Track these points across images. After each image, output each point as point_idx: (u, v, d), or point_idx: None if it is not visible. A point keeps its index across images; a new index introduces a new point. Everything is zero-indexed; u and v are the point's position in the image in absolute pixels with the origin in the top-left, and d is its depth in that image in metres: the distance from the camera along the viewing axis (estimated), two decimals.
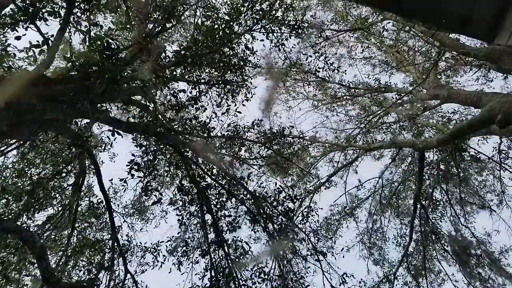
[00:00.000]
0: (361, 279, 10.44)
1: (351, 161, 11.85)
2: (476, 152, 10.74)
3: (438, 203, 11.51)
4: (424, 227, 11.19)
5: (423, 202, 11.14)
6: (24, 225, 8.31)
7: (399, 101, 11.25)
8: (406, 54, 11.05)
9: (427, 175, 11.27)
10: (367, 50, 11.62)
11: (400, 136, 11.63)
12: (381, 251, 11.90)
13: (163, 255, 8.97)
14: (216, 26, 7.68)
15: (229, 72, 8.28)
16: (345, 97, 12.04)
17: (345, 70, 11.31)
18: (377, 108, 11.93)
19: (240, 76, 8.43)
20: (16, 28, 6.64)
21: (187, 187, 8.70)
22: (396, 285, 11.16)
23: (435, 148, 10.42)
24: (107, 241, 9.04)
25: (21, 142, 8.35)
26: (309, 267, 9.02)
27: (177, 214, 8.71)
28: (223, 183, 8.92)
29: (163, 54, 7.77)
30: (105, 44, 6.47)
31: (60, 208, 8.84)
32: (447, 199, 11.26)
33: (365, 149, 11.39)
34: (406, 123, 11.45)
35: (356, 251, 12.54)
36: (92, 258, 8.97)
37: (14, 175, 8.43)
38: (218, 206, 8.87)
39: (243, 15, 7.75)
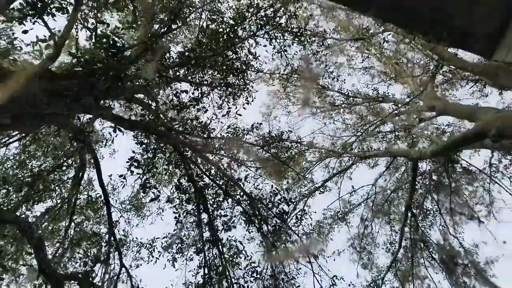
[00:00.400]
0: (351, 282, 10.67)
1: (346, 167, 12.06)
2: (468, 164, 11.00)
3: (428, 212, 11.76)
4: (414, 235, 11.44)
5: (414, 211, 11.38)
6: (23, 215, 8.42)
7: (396, 111, 11.47)
8: (405, 66, 11.24)
9: (419, 185, 11.51)
10: (367, 60, 11.82)
11: (395, 145, 11.84)
12: (370, 256, 12.15)
13: (158, 251, 9.11)
14: (221, 29, 7.82)
15: (231, 75, 8.41)
16: (343, 105, 12.23)
17: (345, 79, 11.51)
18: (374, 117, 12.14)
19: (242, 80, 8.57)
20: (24, 22, 6.73)
21: (185, 186, 8.83)
22: None
23: (429, 159, 10.64)
24: (103, 234, 9.17)
25: (23, 134, 8.45)
26: (300, 269, 9.18)
27: (174, 212, 8.86)
28: (220, 183, 9.06)
29: (167, 54, 7.90)
30: (111, 42, 6.59)
31: (59, 201, 8.95)
32: (438, 209, 11.51)
33: (360, 156, 11.60)
34: (401, 133, 11.67)
35: (347, 255, 12.77)
36: (89, 250, 9.08)
37: (15, 166, 8.54)
38: (214, 206, 9.00)
39: (247, 20, 7.89)
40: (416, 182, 10.90)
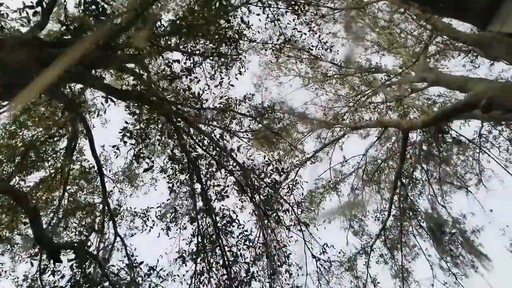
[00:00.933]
0: (341, 249, 10.99)
1: (338, 138, 12.17)
2: (458, 134, 11.16)
3: (417, 181, 12.02)
4: (403, 203, 11.72)
5: (404, 180, 11.62)
6: (17, 186, 8.44)
7: (388, 82, 11.47)
8: (398, 36, 11.17)
9: (409, 155, 11.69)
10: (361, 30, 11.66)
11: (387, 116, 11.94)
12: (360, 224, 12.48)
13: (152, 220, 9.24)
14: None
15: (224, 44, 8.28)
16: (335, 76, 12.19)
17: (338, 50, 11.43)
18: (366, 88, 12.16)
19: (234, 50, 8.45)
20: None
21: (178, 157, 8.87)
22: (372, 256, 11.83)
23: (419, 129, 10.75)
24: (98, 204, 9.25)
25: (13, 104, 8.33)
26: (291, 237, 9.35)
27: (167, 182, 8.94)
28: (213, 154, 9.11)
29: (159, 22, 7.73)
30: (100, 9, 6.44)
31: (52, 171, 8.96)
32: (427, 178, 11.76)
33: (352, 127, 11.69)
34: (393, 103, 11.73)
35: (337, 223, 13.10)
36: (83, 220, 9.19)
37: (6, 136, 8.46)
38: (207, 176, 9.09)
39: None
40: (406, 152, 11.07)
